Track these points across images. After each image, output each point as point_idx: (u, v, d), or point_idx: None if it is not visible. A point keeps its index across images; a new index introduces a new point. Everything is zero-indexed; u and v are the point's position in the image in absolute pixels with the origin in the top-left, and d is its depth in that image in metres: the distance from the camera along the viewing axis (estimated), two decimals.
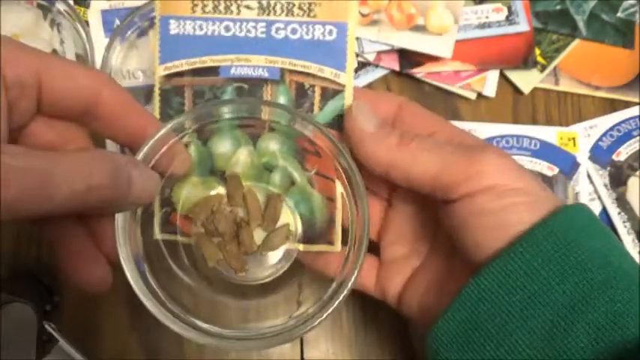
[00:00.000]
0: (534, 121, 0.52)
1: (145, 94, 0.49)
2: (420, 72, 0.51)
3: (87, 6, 0.50)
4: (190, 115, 0.32)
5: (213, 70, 0.35)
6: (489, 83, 0.51)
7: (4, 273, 0.46)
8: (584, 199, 0.50)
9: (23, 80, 0.27)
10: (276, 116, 0.33)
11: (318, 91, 0.35)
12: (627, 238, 0.49)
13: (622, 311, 0.26)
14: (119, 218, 0.30)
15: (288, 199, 0.36)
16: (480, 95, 0.52)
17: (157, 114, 0.35)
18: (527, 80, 0.52)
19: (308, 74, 0.35)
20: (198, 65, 0.35)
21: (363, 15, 0.51)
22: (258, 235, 0.36)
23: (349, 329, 0.47)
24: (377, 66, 0.52)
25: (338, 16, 0.35)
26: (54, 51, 0.49)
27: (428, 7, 0.51)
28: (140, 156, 0.31)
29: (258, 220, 0.36)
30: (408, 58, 0.51)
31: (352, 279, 0.31)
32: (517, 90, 0.52)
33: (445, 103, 0.52)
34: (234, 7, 0.35)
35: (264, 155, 0.36)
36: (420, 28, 0.51)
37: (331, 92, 0.35)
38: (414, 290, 0.34)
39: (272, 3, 0.35)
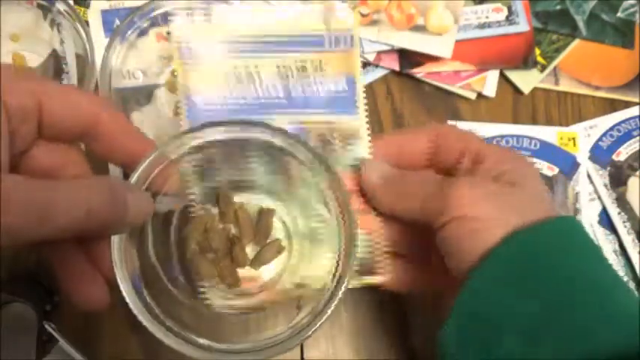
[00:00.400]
0: (534, 121, 0.52)
1: (145, 94, 0.49)
2: (420, 72, 0.51)
3: (87, 6, 0.50)
4: (179, 139, 0.34)
5: (242, 135, 0.35)
6: (489, 83, 0.51)
7: (4, 274, 0.46)
8: (584, 199, 0.50)
9: (25, 107, 0.28)
10: (304, 168, 0.36)
11: (338, 139, 0.39)
12: (627, 238, 0.49)
13: (587, 324, 0.29)
14: (115, 240, 0.31)
15: (324, 241, 0.37)
16: (479, 95, 0.52)
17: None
18: (527, 80, 0.52)
19: (326, 124, 0.39)
20: (225, 136, 0.35)
21: (363, 15, 0.51)
22: (251, 250, 0.38)
23: (349, 329, 0.47)
24: (377, 66, 0.52)
25: (346, 69, 0.39)
26: (54, 51, 0.49)
27: (428, 7, 0.51)
28: (134, 178, 0.32)
29: (250, 236, 0.37)
30: (408, 58, 0.51)
31: (342, 288, 0.33)
32: (517, 90, 0.52)
33: (445, 103, 0.52)
34: (253, 74, 0.38)
35: (298, 206, 0.39)
36: (420, 28, 0.51)
37: (350, 137, 0.39)
38: None
39: (288, 65, 0.39)
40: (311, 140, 0.37)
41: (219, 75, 0.38)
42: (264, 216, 0.38)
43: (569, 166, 0.50)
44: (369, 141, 0.39)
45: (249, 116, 0.37)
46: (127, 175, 0.34)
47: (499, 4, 0.53)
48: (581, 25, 0.54)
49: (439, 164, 0.37)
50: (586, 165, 0.51)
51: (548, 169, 0.50)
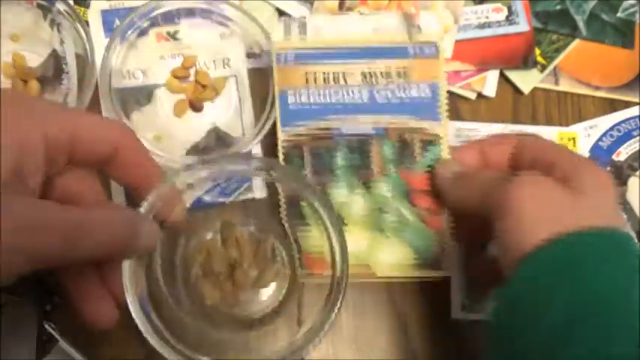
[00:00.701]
0: (534, 121, 0.52)
1: (145, 94, 0.49)
2: None
3: (87, 6, 0.50)
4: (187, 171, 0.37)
5: (326, 132, 0.41)
6: (489, 83, 0.51)
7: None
8: None
9: (59, 138, 0.30)
10: (386, 163, 0.41)
11: (418, 142, 0.42)
12: None
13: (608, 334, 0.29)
14: (125, 265, 0.34)
15: (405, 234, 0.41)
16: (479, 95, 0.52)
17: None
18: (527, 80, 0.52)
19: (408, 128, 0.42)
20: (313, 128, 0.41)
21: (362, 15, 0.51)
22: (252, 273, 0.41)
23: (349, 329, 0.47)
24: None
25: (430, 76, 0.42)
26: (54, 51, 0.49)
27: (428, 7, 0.51)
28: (145, 207, 0.35)
29: (249, 260, 0.40)
30: None
31: (336, 308, 0.36)
32: (517, 90, 0.52)
33: None
34: (341, 78, 0.42)
35: (379, 201, 0.42)
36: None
37: (429, 142, 0.42)
38: None
39: (373, 72, 0.42)
40: (391, 141, 0.41)
41: (309, 78, 0.42)
42: (263, 242, 0.41)
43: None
44: (449, 146, 0.42)
45: (334, 116, 0.41)
46: (129, 196, 0.38)
47: (499, 4, 0.53)
48: (581, 25, 0.54)
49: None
50: None
51: None
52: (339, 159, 0.41)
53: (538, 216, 0.33)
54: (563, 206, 0.33)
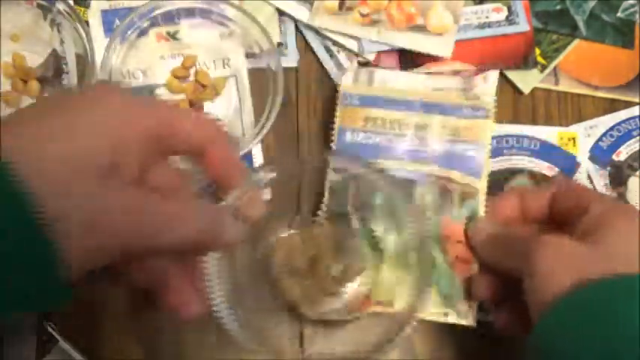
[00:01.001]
0: (534, 121, 0.52)
1: (145, 94, 0.49)
2: (420, 72, 0.51)
3: (87, 6, 0.50)
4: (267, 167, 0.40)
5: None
6: (489, 83, 0.51)
7: None
8: None
9: (157, 131, 0.32)
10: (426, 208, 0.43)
11: (457, 194, 0.45)
12: None
13: None
14: (212, 259, 0.36)
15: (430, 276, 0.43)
16: None
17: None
18: (527, 80, 0.52)
19: (450, 179, 0.45)
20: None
21: (362, 15, 0.51)
22: (334, 269, 0.42)
23: (349, 329, 0.47)
24: (377, 66, 0.52)
25: (478, 137, 0.45)
26: (54, 51, 0.49)
27: (428, 7, 0.51)
28: (228, 202, 0.37)
29: (330, 257, 0.42)
30: (408, 58, 0.51)
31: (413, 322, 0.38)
32: (517, 90, 0.52)
33: None
34: (396, 126, 0.46)
35: (412, 241, 0.42)
36: (420, 28, 0.51)
37: (468, 195, 0.45)
38: None
39: (427, 124, 0.46)
40: (433, 189, 0.44)
41: (367, 120, 0.46)
42: (344, 239, 0.43)
43: (569, 166, 0.50)
44: (485, 200, 0.45)
45: (381, 155, 0.45)
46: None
47: (499, 4, 0.53)
48: (581, 25, 0.54)
49: (556, 219, 0.42)
50: (586, 165, 0.51)
51: (548, 169, 0.50)
52: (380, 198, 0.43)
53: (560, 274, 0.36)
54: (584, 262, 0.36)
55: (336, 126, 0.46)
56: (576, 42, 0.53)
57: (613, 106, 0.53)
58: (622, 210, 0.39)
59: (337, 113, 0.47)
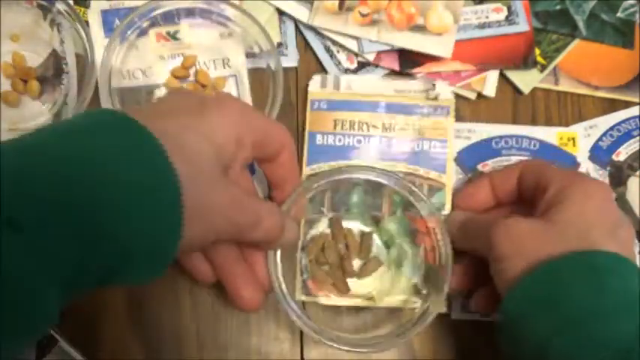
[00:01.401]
0: (534, 121, 0.52)
1: (145, 94, 0.49)
2: (419, 72, 0.51)
3: (87, 6, 0.50)
4: (322, 178, 0.44)
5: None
6: (489, 83, 0.51)
7: None
8: None
9: (261, 139, 0.38)
10: (395, 206, 0.46)
11: (425, 189, 0.48)
12: None
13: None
14: (274, 256, 0.41)
15: (404, 269, 0.47)
16: (479, 95, 0.52)
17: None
18: (527, 80, 0.52)
19: (417, 176, 0.48)
20: (335, 167, 0.47)
21: (362, 15, 0.51)
22: (357, 264, 0.47)
23: (349, 329, 0.47)
24: (377, 66, 0.52)
25: (440, 134, 0.49)
26: (54, 51, 0.49)
27: (428, 7, 0.51)
28: (286, 206, 0.41)
29: (356, 252, 0.46)
30: (408, 58, 0.51)
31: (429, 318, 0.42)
32: (517, 90, 0.52)
33: None
34: (364, 127, 0.49)
35: (386, 235, 0.47)
36: (420, 28, 0.51)
37: (435, 189, 0.48)
38: None
39: (392, 125, 0.49)
40: (402, 186, 0.45)
41: (336, 122, 0.49)
42: (365, 237, 0.47)
43: (568, 166, 0.50)
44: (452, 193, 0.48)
45: (353, 156, 0.48)
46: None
47: (499, 4, 0.53)
48: (581, 25, 0.54)
49: (525, 200, 0.43)
50: (586, 165, 0.51)
51: None
52: (355, 197, 0.47)
53: (517, 255, 0.37)
54: (540, 241, 0.37)
55: (306, 131, 0.49)
56: (576, 42, 0.53)
57: (613, 106, 0.53)
58: (579, 186, 0.39)
59: (306, 119, 0.49)
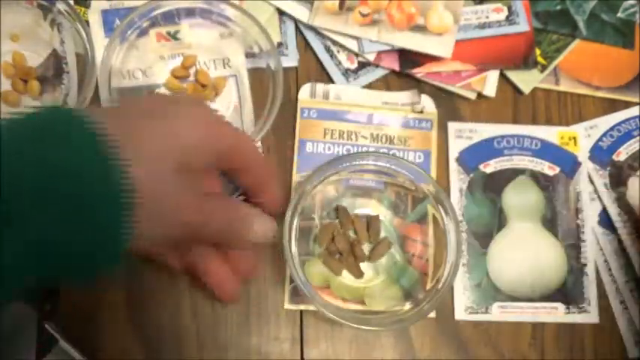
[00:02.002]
0: (534, 121, 0.52)
1: (145, 93, 0.49)
2: (420, 72, 0.51)
3: (87, 6, 0.50)
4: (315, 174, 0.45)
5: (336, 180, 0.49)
6: (489, 83, 0.51)
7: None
8: (585, 199, 0.50)
9: (227, 152, 0.38)
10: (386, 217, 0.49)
11: (410, 198, 0.49)
12: (627, 238, 0.49)
13: None
14: (289, 246, 0.43)
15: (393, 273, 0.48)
16: (480, 95, 0.52)
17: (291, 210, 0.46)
18: (527, 80, 0.52)
19: (403, 186, 0.48)
20: (325, 175, 0.47)
21: (363, 15, 0.51)
22: (367, 249, 0.48)
23: (349, 329, 0.47)
24: (377, 66, 0.52)
25: (425, 145, 0.50)
26: (54, 51, 0.49)
27: (428, 7, 0.51)
28: (290, 209, 0.43)
29: (365, 237, 0.48)
30: (408, 58, 0.51)
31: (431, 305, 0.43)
32: (517, 90, 0.52)
33: (445, 103, 0.52)
34: (353, 136, 0.50)
35: None
36: (420, 28, 0.51)
37: (418, 200, 0.48)
38: None
39: (380, 135, 0.50)
40: (388, 195, 0.49)
41: (327, 132, 0.50)
42: (373, 221, 0.48)
43: (570, 165, 0.50)
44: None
45: (341, 164, 0.47)
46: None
47: (499, 4, 0.53)
48: (581, 25, 0.54)
49: None
50: (586, 165, 0.51)
51: (549, 168, 0.50)
52: (344, 204, 0.48)
53: None
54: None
55: (296, 139, 0.50)
56: (576, 42, 0.53)
57: (613, 106, 0.53)
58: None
59: (296, 126, 0.50)
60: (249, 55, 0.50)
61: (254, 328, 0.47)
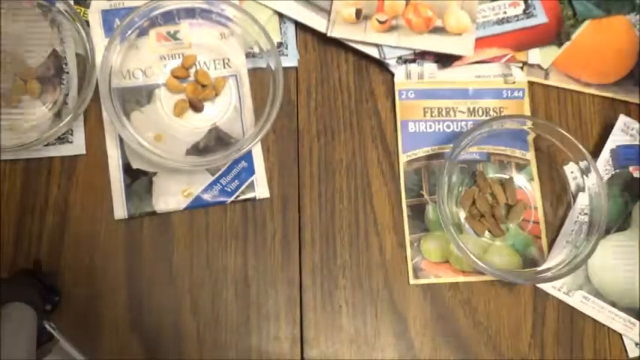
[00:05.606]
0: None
1: (145, 93, 0.49)
2: (460, 65, 0.52)
3: (87, 6, 0.50)
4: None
5: (439, 156, 0.51)
6: (532, 51, 0.53)
7: (4, 273, 0.46)
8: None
9: None
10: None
11: (513, 166, 0.52)
12: None
13: None
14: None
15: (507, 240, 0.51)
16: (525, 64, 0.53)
17: (402, 190, 0.51)
18: (546, 54, 0.52)
19: (505, 155, 0.51)
20: (430, 153, 0.51)
21: (380, 22, 0.50)
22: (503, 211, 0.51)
23: (349, 329, 0.47)
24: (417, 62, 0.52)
25: (519, 113, 0.53)
26: (54, 51, 0.49)
27: (444, 8, 0.51)
28: None
29: (503, 199, 0.51)
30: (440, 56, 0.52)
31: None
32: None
33: None
34: (452, 112, 0.52)
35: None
36: (439, 30, 0.51)
37: (522, 166, 0.51)
38: None
39: (476, 109, 0.52)
40: (493, 164, 0.51)
41: (425, 110, 0.52)
42: (508, 183, 0.51)
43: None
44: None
45: (445, 140, 0.51)
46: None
47: None
48: None
49: None
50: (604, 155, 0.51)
51: None
52: (453, 177, 0.51)
53: None
54: None
55: (398, 120, 0.52)
56: (576, 34, 0.53)
57: (614, 106, 0.53)
58: None
59: (396, 108, 0.52)
60: (249, 55, 0.50)
61: (254, 328, 0.47)
